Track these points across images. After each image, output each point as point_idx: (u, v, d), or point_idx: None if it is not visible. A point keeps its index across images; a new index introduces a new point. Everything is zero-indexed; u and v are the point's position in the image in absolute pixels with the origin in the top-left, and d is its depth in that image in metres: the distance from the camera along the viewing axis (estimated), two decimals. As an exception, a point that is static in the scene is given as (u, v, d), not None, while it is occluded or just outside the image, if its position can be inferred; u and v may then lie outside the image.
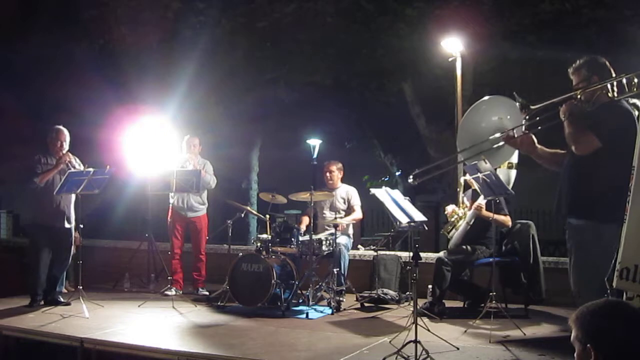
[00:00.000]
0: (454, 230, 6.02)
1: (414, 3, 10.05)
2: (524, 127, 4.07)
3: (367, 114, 14.83)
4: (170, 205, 7.21)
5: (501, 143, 4.46)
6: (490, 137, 4.49)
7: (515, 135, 4.16)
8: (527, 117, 3.97)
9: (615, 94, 3.79)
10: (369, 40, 10.74)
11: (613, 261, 3.47)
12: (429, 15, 9.78)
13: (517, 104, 3.97)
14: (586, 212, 3.84)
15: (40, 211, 6.28)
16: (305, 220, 7.03)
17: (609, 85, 3.80)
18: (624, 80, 3.72)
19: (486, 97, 5.37)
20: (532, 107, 3.95)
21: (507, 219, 5.77)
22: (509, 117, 5.17)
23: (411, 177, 4.61)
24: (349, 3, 10.31)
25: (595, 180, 3.81)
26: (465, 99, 8.69)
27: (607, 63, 3.93)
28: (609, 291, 3.28)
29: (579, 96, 3.88)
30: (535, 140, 4.08)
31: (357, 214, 7.08)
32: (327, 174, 7.07)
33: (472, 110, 5.37)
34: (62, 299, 6.31)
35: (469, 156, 4.90)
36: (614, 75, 3.86)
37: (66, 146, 6.38)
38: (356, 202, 7.08)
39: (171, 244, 7.19)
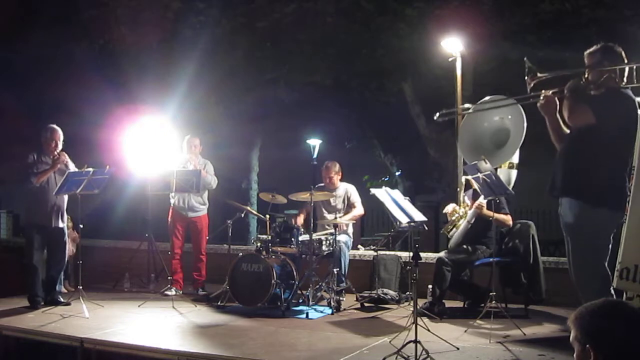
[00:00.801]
0: (454, 229, 6.01)
1: (414, 3, 10.04)
2: (529, 89, 4.09)
3: (367, 114, 14.82)
4: (171, 205, 7.22)
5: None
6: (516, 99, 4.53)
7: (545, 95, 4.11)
8: (533, 84, 4.00)
9: (624, 82, 3.82)
10: (369, 40, 10.73)
11: (610, 248, 3.48)
12: (429, 15, 9.78)
13: (526, 67, 3.99)
14: (578, 192, 3.86)
15: (34, 211, 6.28)
16: (301, 218, 7.03)
17: (618, 72, 3.83)
18: (634, 69, 3.75)
19: (487, 98, 5.39)
20: (540, 74, 3.97)
21: (507, 218, 5.77)
22: (509, 117, 5.20)
23: (437, 114, 5.07)
24: (349, 3, 10.30)
25: (590, 162, 3.84)
26: (465, 99, 8.67)
27: (623, 53, 3.96)
28: (609, 275, 3.29)
29: (586, 75, 3.91)
30: (558, 106, 4.06)
31: (359, 210, 7.06)
32: (327, 180, 7.05)
33: (473, 115, 5.39)
34: (62, 299, 6.31)
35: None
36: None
37: (60, 145, 6.36)
38: (356, 198, 7.06)
39: (171, 244, 7.19)
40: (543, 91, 4.03)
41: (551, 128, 4.10)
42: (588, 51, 4.05)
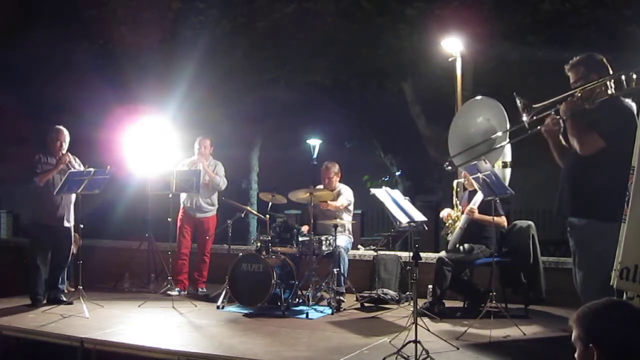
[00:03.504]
0: (450, 234, 6.00)
1: (414, 3, 10.05)
2: (526, 124, 4.05)
3: (367, 114, 14.84)
4: (182, 205, 7.23)
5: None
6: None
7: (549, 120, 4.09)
8: (530, 116, 3.96)
9: (614, 90, 3.79)
10: (369, 40, 10.74)
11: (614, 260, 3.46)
12: (429, 15, 9.78)
13: (519, 104, 3.95)
14: (588, 211, 3.82)
15: (40, 211, 6.30)
16: (305, 228, 6.99)
17: (607, 82, 3.79)
18: (623, 77, 3.71)
19: (470, 101, 5.38)
20: (534, 106, 3.94)
21: (502, 220, 5.75)
22: (490, 117, 5.21)
23: (447, 163, 5.10)
24: (349, 3, 10.30)
25: (597, 178, 3.79)
26: (465, 99, 8.68)
27: (605, 60, 3.92)
28: (612, 285, 3.27)
29: (578, 94, 3.87)
30: (562, 129, 4.05)
31: (337, 203, 6.82)
32: (326, 180, 7.01)
33: (458, 116, 5.38)
34: (64, 298, 6.32)
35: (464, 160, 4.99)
36: (611, 72, 3.86)
37: (66, 146, 6.39)
38: (344, 192, 6.92)
39: (178, 244, 7.17)
40: (549, 118, 3.99)
41: (555, 149, 4.07)
42: (569, 64, 3.96)
